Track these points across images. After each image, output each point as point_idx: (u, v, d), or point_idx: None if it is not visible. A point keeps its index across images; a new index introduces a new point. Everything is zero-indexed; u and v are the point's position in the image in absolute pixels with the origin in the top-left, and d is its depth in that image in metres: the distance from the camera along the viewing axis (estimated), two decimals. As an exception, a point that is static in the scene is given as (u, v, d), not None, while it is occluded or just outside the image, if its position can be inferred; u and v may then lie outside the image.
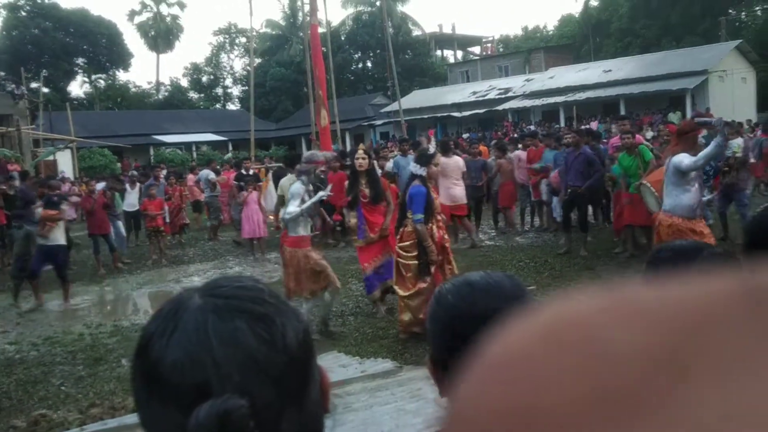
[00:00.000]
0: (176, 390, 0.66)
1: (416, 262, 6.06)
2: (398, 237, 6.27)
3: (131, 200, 13.61)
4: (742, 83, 31.35)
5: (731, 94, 29.43)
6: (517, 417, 0.24)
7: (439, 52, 57.21)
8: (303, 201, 6.39)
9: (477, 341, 1.07)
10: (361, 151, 7.52)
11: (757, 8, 37.40)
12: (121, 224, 12.89)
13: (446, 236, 6.44)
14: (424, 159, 6.11)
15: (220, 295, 0.72)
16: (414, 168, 6.11)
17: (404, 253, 6.17)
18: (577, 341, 0.25)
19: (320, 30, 19.20)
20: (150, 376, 0.68)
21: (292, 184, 6.85)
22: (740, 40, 32.32)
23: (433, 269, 6.07)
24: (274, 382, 0.68)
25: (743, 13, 38.93)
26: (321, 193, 6.55)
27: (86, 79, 51.10)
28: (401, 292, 6.20)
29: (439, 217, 6.32)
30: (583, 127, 24.61)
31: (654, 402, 0.22)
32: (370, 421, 4.53)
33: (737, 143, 9.48)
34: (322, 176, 6.88)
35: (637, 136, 10.57)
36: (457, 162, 10.83)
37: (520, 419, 0.24)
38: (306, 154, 7.08)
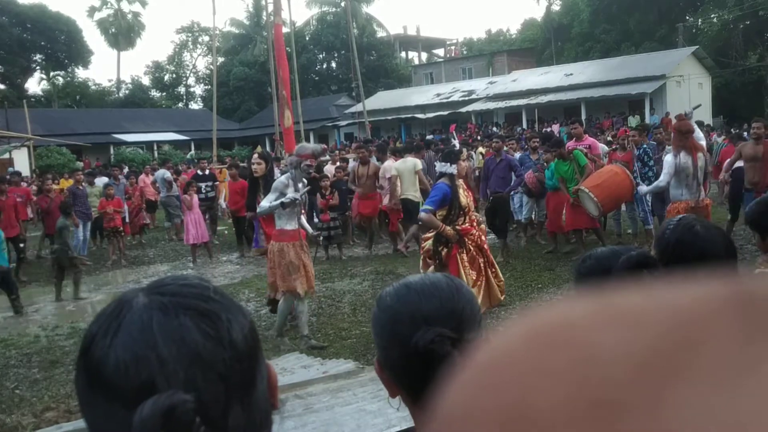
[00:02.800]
0: (121, 389, 0.66)
1: (431, 241, 5.97)
2: (423, 235, 6.24)
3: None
4: (699, 88, 32.11)
5: (688, 99, 30.08)
6: (504, 421, 0.24)
7: (403, 54, 57.38)
8: (283, 195, 6.06)
9: (404, 340, 1.11)
10: (255, 156, 7.15)
11: (713, 15, 38.31)
12: (89, 225, 12.60)
13: (483, 237, 6.29)
14: (453, 156, 5.97)
15: (165, 293, 0.72)
16: (442, 166, 5.96)
17: (423, 243, 6.14)
18: (565, 344, 0.25)
19: (284, 30, 19.11)
20: (94, 376, 0.68)
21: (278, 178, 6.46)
22: (697, 47, 33.10)
23: (445, 255, 5.92)
24: (221, 378, 0.68)
25: (699, 20, 39.85)
26: (289, 195, 6.06)
27: (44, 76, 49.98)
28: (422, 273, 6.15)
29: (473, 216, 6.16)
30: (545, 129, 24.95)
31: (641, 404, 0.22)
32: (332, 421, 4.53)
33: None
34: (309, 170, 6.55)
35: (591, 140, 10.77)
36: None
37: (508, 423, 0.24)
38: (297, 146, 6.78)
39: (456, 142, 8.03)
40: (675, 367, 0.23)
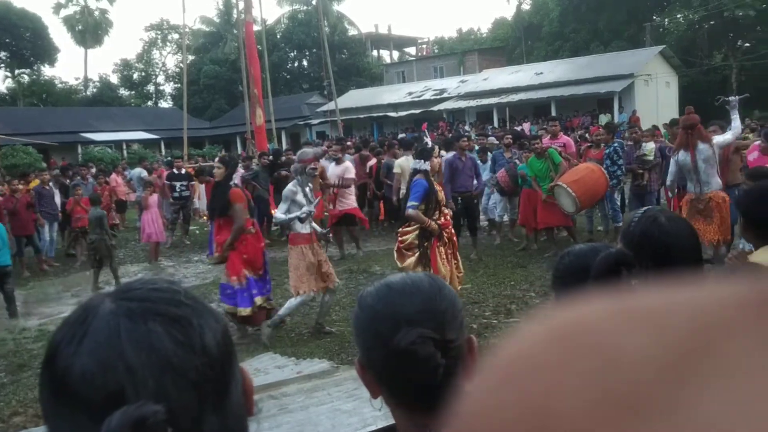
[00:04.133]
0: (87, 400, 0.63)
1: (414, 234, 6.18)
2: (401, 229, 6.39)
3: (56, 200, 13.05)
4: (666, 87, 32.61)
5: (656, 98, 30.58)
6: (527, 421, 0.24)
7: (375, 52, 57.34)
8: (294, 202, 6.38)
9: (386, 341, 1.10)
10: (216, 160, 7.23)
11: (680, 15, 38.95)
12: (56, 226, 12.39)
13: (452, 230, 6.59)
14: (426, 154, 6.25)
15: (133, 299, 0.69)
16: (416, 164, 6.24)
17: (402, 237, 6.29)
18: (588, 345, 0.25)
19: (255, 28, 18.97)
20: (58, 386, 0.65)
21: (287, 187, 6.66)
22: (664, 46, 33.60)
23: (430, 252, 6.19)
24: (193, 386, 0.66)
25: (666, 20, 40.47)
26: (304, 210, 6.36)
27: (9, 74, 48.93)
28: (399, 264, 6.29)
29: (446, 211, 6.43)
30: (516, 127, 25.13)
31: (663, 406, 0.22)
32: (307, 421, 4.50)
33: (650, 147, 9.91)
34: (314, 174, 6.77)
35: (566, 138, 10.87)
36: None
37: (531, 424, 0.24)
38: (299, 152, 7.01)
39: (428, 140, 8.21)
40: (698, 369, 0.23)
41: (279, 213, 6.53)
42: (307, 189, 6.53)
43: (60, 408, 0.65)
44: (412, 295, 1.13)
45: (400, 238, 6.30)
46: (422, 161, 6.18)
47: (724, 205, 7.05)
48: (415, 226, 6.14)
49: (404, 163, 10.95)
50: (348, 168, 10.70)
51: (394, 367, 1.08)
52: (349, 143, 17.17)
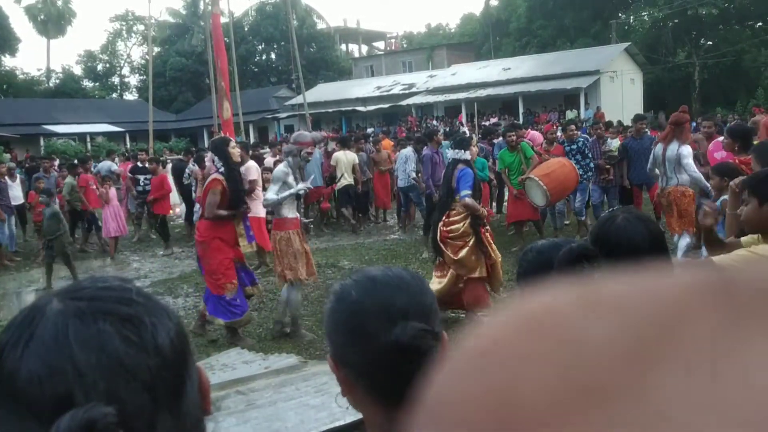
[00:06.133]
0: (35, 404, 0.61)
1: (465, 222, 6.18)
2: (444, 220, 6.33)
3: (15, 193, 12.71)
4: (631, 84, 33.09)
5: (621, 94, 31.04)
6: (492, 406, 0.24)
7: (343, 46, 57.16)
8: (286, 184, 6.18)
9: (375, 335, 1.08)
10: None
11: (644, 13, 39.56)
12: (14, 220, 12.10)
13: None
14: (465, 143, 6.39)
15: (82, 298, 0.67)
16: (456, 154, 6.31)
17: (450, 227, 6.25)
18: (550, 330, 0.25)
19: (223, 20, 18.74)
20: (4, 391, 0.63)
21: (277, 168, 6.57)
22: (629, 43, 34.10)
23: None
24: (146, 387, 0.64)
25: (632, 18, 41.07)
26: (300, 186, 6.20)
27: (-32, 65, 47.76)
28: (452, 257, 6.22)
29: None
30: (484, 123, 25.28)
31: (625, 389, 0.22)
32: (274, 417, 4.48)
33: (615, 144, 10.09)
34: (309, 158, 6.64)
35: (533, 132, 10.98)
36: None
37: (496, 408, 0.24)
38: (294, 134, 6.87)
39: (465, 129, 8.44)
40: (657, 351, 0.23)
41: (270, 194, 6.32)
42: (298, 172, 6.38)
43: (6, 414, 0.63)
44: (400, 288, 1.11)
45: (446, 228, 6.28)
46: (462, 150, 6.28)
47: (683, 199, 7.29)
48: (462, 215, 6.17)
49: (341, 156, 11.92)
50: (249, 168, 8.73)
51: (385, 362, 1.05)
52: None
